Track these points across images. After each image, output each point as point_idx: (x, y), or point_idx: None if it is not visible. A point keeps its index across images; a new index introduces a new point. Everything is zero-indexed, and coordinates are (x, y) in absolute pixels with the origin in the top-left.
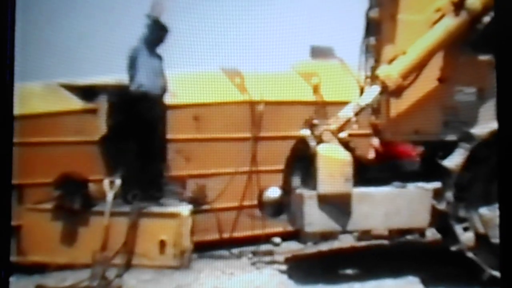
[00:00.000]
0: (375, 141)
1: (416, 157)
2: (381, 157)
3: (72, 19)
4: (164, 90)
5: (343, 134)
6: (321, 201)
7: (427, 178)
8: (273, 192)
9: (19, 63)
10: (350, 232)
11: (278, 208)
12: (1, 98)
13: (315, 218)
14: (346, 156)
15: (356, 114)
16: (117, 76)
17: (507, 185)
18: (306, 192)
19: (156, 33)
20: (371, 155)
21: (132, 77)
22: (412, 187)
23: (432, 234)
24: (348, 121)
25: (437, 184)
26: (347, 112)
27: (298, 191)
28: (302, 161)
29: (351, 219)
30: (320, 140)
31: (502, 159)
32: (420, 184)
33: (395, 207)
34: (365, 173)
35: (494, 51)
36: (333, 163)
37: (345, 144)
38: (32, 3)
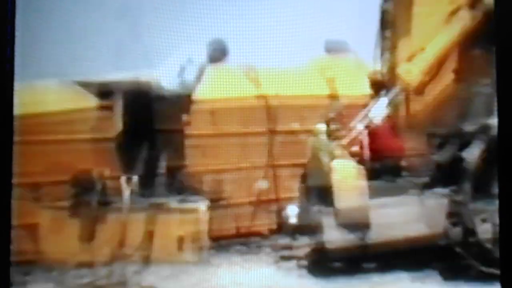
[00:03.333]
0: (364, 137)
1: (405, 153)
2: (372, 153)
3: (70, 16)
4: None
5: (355, 148)
6: (339, 217)
7: (442, 183)
8: (292, 210)
9: (18, 63)
10: (370, 245)
11: (297, 225)
12: (2, 98)
13: (335, 234)
14: (360, 169)
15: (367, 127)
16: (131, 73)
17: (507, 182)
18: (323, 209)
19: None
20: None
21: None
22: (428, 194)
23: None
24: (359, 135)
25: (452, 189)
26: (358, 125)
27: (315, 208)
28: (317, 178)
29: (370, 231)
30: (333, 156)
31: (501, 156)
32: (436, 190)
33: (413, 215)
34: (380, 183)
35: (495, 48)
36: (347, 178)
37: (358, 157)
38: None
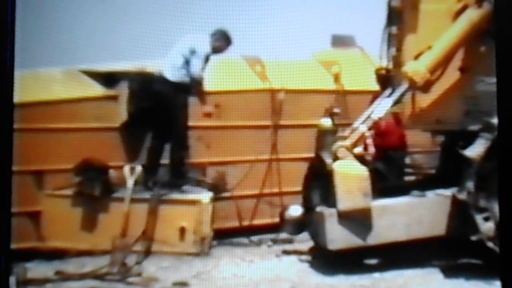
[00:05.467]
0: (368, 138)
1: (408, 148)
2: (377, 150)
3: (72, 6)
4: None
5: (358, 149)
6: (342, 218)
7: (446, 183)
8: (295, 210)
9: (19, 51)
10: (373, 247)
11: (300, 226)
12: (1, 86)
13: (337, 235)
14: (362, 171)
15: (370, 129)
16: (137, 63)
17: (507, 182)
18: (326, 210)
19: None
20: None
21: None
22: (431, 194)
23: None
24: (362, 136)
25: (455, 190)
26: (361, 127)
27: (318, 209)
28: (320, 179)
29: (373, 233)
30: (336, 157)
31: (502, 157)
32: (439, 191)
33: (416, 217)
34: (383, 184)
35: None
36: (350, 179)
37: (361, 158)
38: None
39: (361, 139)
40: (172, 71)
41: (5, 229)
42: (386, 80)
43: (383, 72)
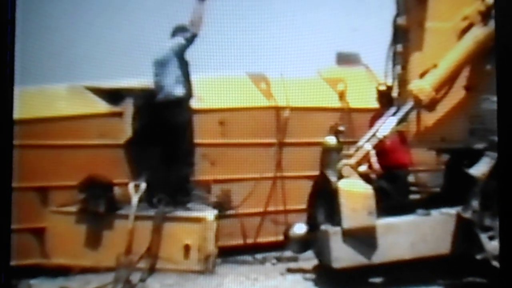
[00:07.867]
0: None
1: (412, 166)
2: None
3: (72, 20)
4: (190, 95)
5: (362, 168)
6: (346, 236)
7: (450, 202)
8: (299, 229)
9: (19, 66)
10: (378, 265)
11: (304, 244)
12: (1, 102)
13: (342, 254)
14: (367, 189)
15: (375, 147)
16: (140, 79)
17: (507, 190)
18: (330, 228)
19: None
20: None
21: (160, 84)
22: (436, 213)
23: None
24: (367, 154)
25: (460, 208)
26: (365, 145)
27: (323, 227)
28: (324, 197)
29: (377, 251)
30: (340, 175)
31: (502, 163)
32: (444, 210)
33: (421, 235)
34: (388, 202)
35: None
36: (355, 197)
37: (366, 177)
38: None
39: (366, 157)
40: (172, 86)
41: (5, 246)
42: (387, 96)
43: (384, 88)
